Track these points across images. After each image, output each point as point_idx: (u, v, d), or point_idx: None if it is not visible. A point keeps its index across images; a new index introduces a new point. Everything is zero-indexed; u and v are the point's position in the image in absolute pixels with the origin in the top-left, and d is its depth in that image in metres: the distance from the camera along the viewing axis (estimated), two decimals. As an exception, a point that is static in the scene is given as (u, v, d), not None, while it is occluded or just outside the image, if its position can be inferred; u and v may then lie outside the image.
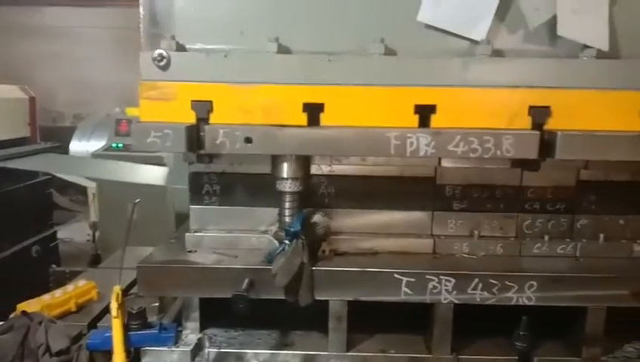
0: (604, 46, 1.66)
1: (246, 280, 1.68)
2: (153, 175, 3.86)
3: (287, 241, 1.68)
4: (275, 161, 1.76)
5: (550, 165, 1.71)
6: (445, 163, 1.86)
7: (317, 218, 1.82)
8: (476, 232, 1.87)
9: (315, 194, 1.90)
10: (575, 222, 1.89)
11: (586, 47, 1.65)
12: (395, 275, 1.68)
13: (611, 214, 1.89)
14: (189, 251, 1.86)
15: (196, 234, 1.90)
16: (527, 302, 1.68)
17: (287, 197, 1.77)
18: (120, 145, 5.68)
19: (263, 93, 1.61)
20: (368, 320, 1.82)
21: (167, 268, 1.75)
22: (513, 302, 1.68)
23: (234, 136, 1.58)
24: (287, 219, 1.78)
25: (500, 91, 1.61)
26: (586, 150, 1.59)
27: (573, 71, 1.62)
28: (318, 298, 1.70)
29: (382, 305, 1.71)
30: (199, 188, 1.92)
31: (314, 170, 1.87)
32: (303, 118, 1.61)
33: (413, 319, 1.84)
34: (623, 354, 1.78)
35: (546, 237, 1.86)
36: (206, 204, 1.92)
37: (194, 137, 1.60)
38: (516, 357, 1.73)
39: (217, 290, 1.69)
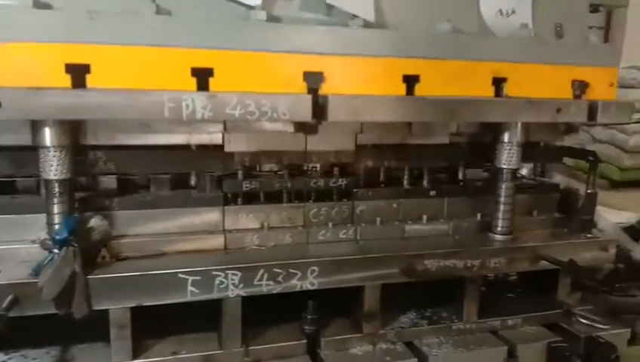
0: (370, 16, 1.79)
1: (9, 298, 1.49)
2: None
3: (56, 250, 1.53)
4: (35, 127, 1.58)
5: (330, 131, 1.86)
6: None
7: (94, 222, 1.68)
8: (266, 224, 1.91)
9: (94, 196, 1.77)
10: (355, 208, 2.03)
11: (355, 16, 1.76)
12: (180, 275, 1.64)
13: (385, 198, 2.07)
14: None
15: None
16: (310, 287, 1.76)
17: (56, 195, 1.60)
18: None
19: (15, 51, 1.44)
20: (164, 321, 1.77)
21: None
22: (298, 289, 1.75)
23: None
24: (56, 227, 1.62)
25: (276, 56, 1.66)
26: (354, 112, 1.69)
27: (343, 39, 1.73)
28: (96, 308, 1.58)
29: (176, 304, 1.66)
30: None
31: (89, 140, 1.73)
32: (66, 80, 1.48)
33: (208, 315, 1.82)
34: (399, 325, 1.96)
35: (330, 224, 1.98)
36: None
37: None
38: (306, 341, 1.82)
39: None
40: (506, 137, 1.97)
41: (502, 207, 2.03)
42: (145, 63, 1.54)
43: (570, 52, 1.99)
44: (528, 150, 2.07)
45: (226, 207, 1.88)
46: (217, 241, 1.84)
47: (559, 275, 2.15)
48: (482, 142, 2.11)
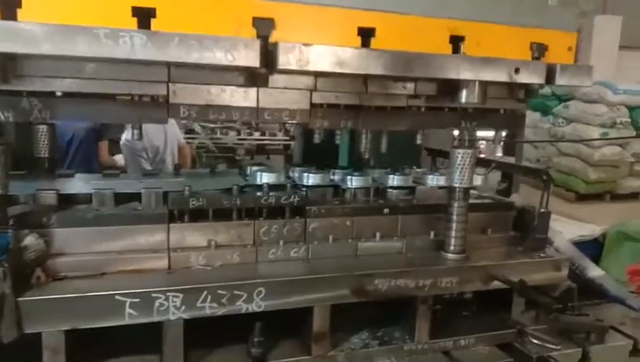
0: None
1: None
2: None
3: (-16, 271, 1.45)
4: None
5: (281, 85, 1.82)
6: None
7: (29, 240, 1.61)
8: (213, 242, 1.86)
9: (31, 213, 1.69)
10: (307, 225, 1.99)
11: None
12: (117, 297, 1.58)
13: (339, 216, 2.03)
14: None
15: None
16: (256, 309, 1.72)
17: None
18: None
19: None
20: (102, 343, 1.70)
21: None
22: (243, 311, 1.70)
23: None
24: (-14, 245, 1.54)
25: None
26: (305, 61, 1.60)
27: None
28: (28, 331, 1.51)
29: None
30: None
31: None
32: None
33: (149, 335, 1.75)
34: (349, 346, 1.92)
35: (281, 242, 1.93)
36: None
37: None
38: (252, 363, 1.77)
39: None
40: (463, 96, 1.90)
41: (454, 226, 2.01)
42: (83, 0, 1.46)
43: (529, 14, 1.96)
44: (488, 117, 2.05)
45: (170, 225, 1.82)
46: (161, 261, 1.78)
47: (514, 294, 2.14)
48: (440, 107, 2.07)
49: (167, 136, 5.75)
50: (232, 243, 1.90)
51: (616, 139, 6.60)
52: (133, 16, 1.50)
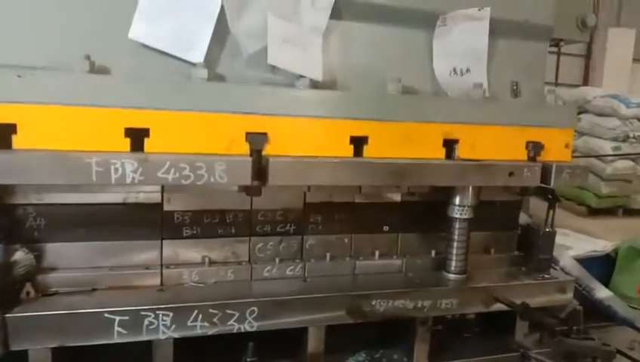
0: (318, 76, 1.74)
1: None
2: None
3: (-30, 287, 1.43)
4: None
5: (277, 189, 1.77)
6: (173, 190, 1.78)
7: (18, 256, 1.59)
8: (207, 259, 1.82)
9: (21, 227, 1.67)
10: (304, 242, 1.95)
11: (302, 76, 1.71)
12: (106, 315, 1.54)
13: (337, 234, 1.99)
14: None
15: None
16: (248, 329, 1.67)
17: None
18: None
19: None
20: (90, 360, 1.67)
21: None
22: (235, 331, 1.66)
23: None
24: (-25, 261, 1.52)
25: (217, 116, 1.58)
26: (295, 175, 1.62)
27: (289, 99, 1.66)
28: (14, 348, 1.48)
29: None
30: None
31: (18, 198, 1.64)
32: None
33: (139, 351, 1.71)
34: (345, 367, 1.88)
35: (277, 260, 1.89)
36: None
37: None
38: (244, 384, 1.73)
39: None
40: (457, 200, 1.92)
41: (455, 245, 1.96)
42: (76, 123, 1.47)
43: (525, 113, 1.94)
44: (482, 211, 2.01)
45: (164, 240, 1.79)
46: (153, 277, 1.75)
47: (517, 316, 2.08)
48: (436, 201, 2.02)
49: None
50: (227, 261, 1.86)
51: (628, 155, 6.49)
52: (126, 136, 1.51)
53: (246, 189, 1.71)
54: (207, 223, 1.84)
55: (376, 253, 2.01)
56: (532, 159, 1.93)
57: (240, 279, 1.84)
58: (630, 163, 6.73)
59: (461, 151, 1.85)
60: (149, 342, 1.63)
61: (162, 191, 1.76)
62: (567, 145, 1.99)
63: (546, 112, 1.98)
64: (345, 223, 2.00)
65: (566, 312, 2.17)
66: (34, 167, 1.41)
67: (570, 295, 2.10)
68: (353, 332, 1.91)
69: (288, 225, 1.93)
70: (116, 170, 1.44)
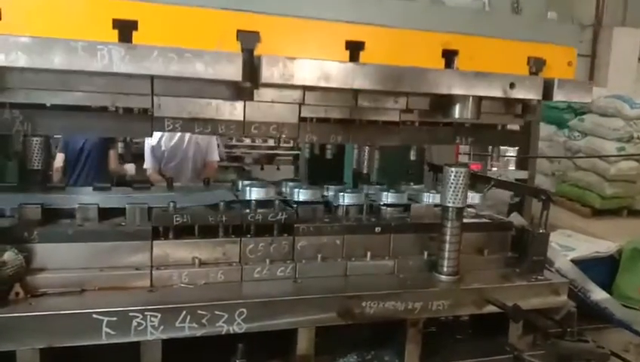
0: None
1: None
2: None
3: (-42, 287, 1.44)
4: None
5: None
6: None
7: (7, 256, 1.59)
8: (197, 260, 1.82)
9: (12, 228, 1.68)
10: (295, 243, 1.95)
11: None
12: (94, 316, 1.55)
13: (328, 234, 1.98)
14: None
15: None
16: (237, 331, 1.67)
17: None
18: None
19: None
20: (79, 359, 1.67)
21: None
22: (224, 332, 1.66)
23: None
24: (-37, 261, 1.53)
25: (208, 12, 1.55)
26: (288, 74, 1.56)
27: None
28: (2, 349, 1.49)
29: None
30: None
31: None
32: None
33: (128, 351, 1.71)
34: (336, 369, 1.87)
35: (268, 261, 1.89)
36: None
37: None
38: (234, 386, 1.72)
39: None
40: (456, 111, 1.85)
41: (447, 246, 1.95)
42: (63, 12, 1.44)
43: (526, 28, 1.89)
44: (484, 133, 1.98)
45: (154, 241, 1.79)
46: (143, 278, 1.75)
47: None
48: (433, 121, 2.00)
49: (189, 148, 5.70)
50: (217, 261, 1.86)
51: (632, 155, 6.46)
52: (114, 28, 1.49)
53: (238, 93, 1.69)
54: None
55: (368, 253, 2.00)
56: (534, 75, 1.88)
57: (230, 280, 1.84)
58: (634, 163, 6.69)
59: (460, 63, 1.81)
60: (138, 343, 1.63)
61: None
62: (569, 63, 1.95)
63: (547, 28, 1.93)
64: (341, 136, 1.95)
65: (561, 314, 2.16)
66: (19, 49, 1.36)
67: (564, 297, 2.08)
68: (344, 333, 1.90)
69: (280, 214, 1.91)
70: (103, 56, 1.41)
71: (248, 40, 1.58)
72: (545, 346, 2.05)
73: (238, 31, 1.57)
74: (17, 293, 1.61)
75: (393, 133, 2.02)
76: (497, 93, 1.80)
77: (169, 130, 1.80)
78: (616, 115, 6.56)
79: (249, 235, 1.91)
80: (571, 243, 4.15)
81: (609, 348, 2.12)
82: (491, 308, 1.95)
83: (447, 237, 1.95)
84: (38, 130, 1.69)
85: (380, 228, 2.05)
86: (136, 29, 1.50)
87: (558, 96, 1.86)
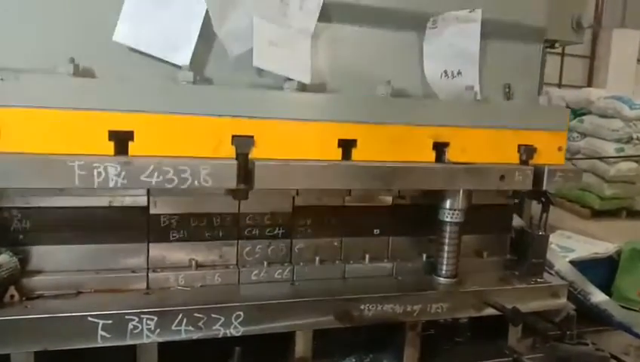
0: (306, 79, 1.72)
1: None
2: None
3: (-48, 290, 1.43)
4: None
5: (265, 193, 1.75)
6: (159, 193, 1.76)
7: (2, 259, 1.58)
8: (194, 263, 1.81)
9: (6, 230, 1.66)
10: (293, 246, 1.94)
11: (289, 79, 1.70)
12: (90, 319, 1.53)
13: (326, 237, 1.97)
14: None
15: None
16: (234, 334, 1.66)
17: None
18: None
19: None
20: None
21: None
22: (221, 335, 1.64)
23: None
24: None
25: (203, 120, 1.57)
26: (282, 179, 1.61)
27: (276, 101, 1.65)
28: (-3, 353, 1.48)
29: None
30: None
31: (3, 202, 1.64)
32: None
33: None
34: (334, 372, 1.86)
35: (265, 263, 1.87)
36: None
37: None
38: (231, 389, 1.71)
39: None
40: (447, 204, 1.89)
41: (446, 249, 1.94)
42: (59, 127, 1.45)
43: (516, 116, 1.91)
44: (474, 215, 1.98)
45: (150, 244, 1.78)
46: (139, 280, 1.74)
47: (509, 320, 2.05)
48: (427, 204, 1.99)
49: None
50: (214, 264, 1.85)
51: (632, 156, 6.44)
52: (110, 140, 1.49)
53: (233, 193, 1.71)
54: (195, 227, 1.82)
55: (367, 256, 1.99)
56: (524, 163, 1.90)
57: (227, 283, 1.82)
58: (634, 165, 6.67)
59: (452, 155, 1.82)
60: (134, 346, 1.62)
61: (148, 195, 1.75)
62: (560, 149, 1.97)
63: (538, 115, 1.95)
64: (334, 227, 1.98)
65: (561, 317, 2.15)
66: (16, 170, 1.41)
67: (563, 299, 2.07)
68: (342, 336, 1.89)
69: (277, 228, 1.91)
70: (99, 173, 1.44)
71: (243, 145, 1.60)
72: (544, 349, 2.05)
73: (233, 136, 1.59)
74: (12, 296, 1.59)
75: (387, 216, 2.04)
76: (488, 186, 1.84)
77: (163, 225, 1.80)
78: (616, 116, 6.54)
79: (246, 238, 1.89)
80: (570, 245, 4.14)
81: (609, 351, 2.11)
82: (490, 311, 1.94)
83: (446, 240, 1.93)
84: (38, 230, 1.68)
85: (378, 231, 2.03)
86: (132, 139, 1.51)
87: (549, 186, 1.90)
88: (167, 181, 1.49)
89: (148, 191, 1.74)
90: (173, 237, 1.80)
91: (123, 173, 1.45)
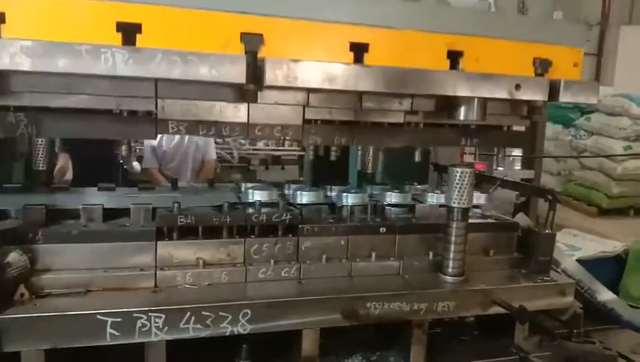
0: None
1: None
2: None
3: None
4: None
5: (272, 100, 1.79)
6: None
7: (11, 257, 1.60)
8: (201, 261, 1.82)
9: (17, 228, 1.68)
10: (300, 244, 1.94)
11: None
12: (99, 316, 1.55)
13: (333, 235, 1.97)
14: None
15: None
16: (242, 332, 1.67)
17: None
18: None
19: None
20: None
21: None
22: (228, 333, 1.66)
23: None
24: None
25: (211, 14, 1.56)
26: (293, 77, 1.57)
27: (286, 0, 1.63)
28: (7, 350, 1.49)
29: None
30: None
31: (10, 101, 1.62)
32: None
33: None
34: (341, 370, 1.86)
35: (272, 261, 1.88)
36: None
37: None
38: (239, 387, 1.72)
39: None
40: (461, 113, 1.85)
41: (453, 247, 1.94)
42: (66, 15, 1.45)
43: (532, 28, 1.88)
44: (489, 134, 1.97)
45: (158, 242, 1.79)
46: (147, 279, 1.75)
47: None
48: (439, 123, 1.99)
49: (190, 148, 5.74)
50: (222, 262, 1.86)
51: (639, 154, 6.41)
52: (118, 31, 1.49)
53: (242, 95, 1.69)
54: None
55: (373, 254, 1.99)
56: (540, 76, 1.88)
57: (235, 281, 1.83)
58: (641, 163, 6.64)
59: (466, 64, 1.81)
60: (143, 344, 1.63)
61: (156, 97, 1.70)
62: (575, 64, 1.94)
63: (553, 29, 1.92)
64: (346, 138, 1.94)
65: (567, 315, 2.14)
66: (21, 51, 1.38)
67: (570, 298, 2.06)
68: (349, 334, 1.90)
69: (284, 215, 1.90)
70: (107, 59, 1.42)
71: (252, 42, 1.58)
72: (551, 347, 2.04)
73: (242, 33, 1.57)
74: (22, 294, 1.61)
75: (398, 134, 2.01)
76: (503, 94, 1.80)
77: (173, 133, 1.80)
78: (623, 113, 6.51)
79: (253, 236, 1.90)
80: (577, 243, 4.13)
81: (616, 350, 2.10)
82: (497, 309, 1.94)
83: (453, 238, 1.93)
84: (42, 133, 1.70)
85: (384, 229, 2.04)
86: (140, 32, 1.51)
87: (565, 98, 1.86)
88: (175, 70, 1.47)
89: (156, 94, 1.70)
90: (180, 221, 1.79)
91: (130, 61, 1.44)
